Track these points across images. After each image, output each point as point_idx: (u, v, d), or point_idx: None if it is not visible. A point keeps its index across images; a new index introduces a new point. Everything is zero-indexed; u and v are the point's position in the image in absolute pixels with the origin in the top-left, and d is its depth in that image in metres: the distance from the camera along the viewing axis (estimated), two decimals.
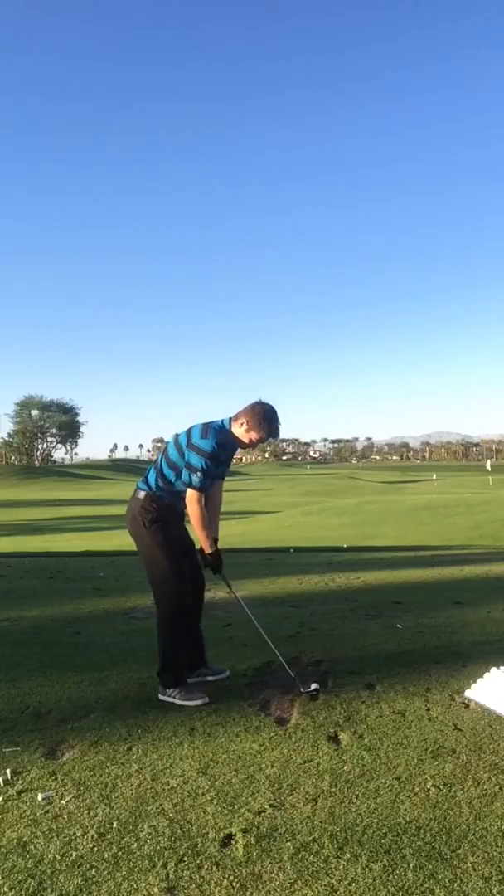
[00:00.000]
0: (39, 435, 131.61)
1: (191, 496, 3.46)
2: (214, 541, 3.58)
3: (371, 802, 2.41)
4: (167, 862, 2.09)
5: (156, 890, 1.96)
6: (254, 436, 3.51)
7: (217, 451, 3.46)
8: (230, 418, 3.57)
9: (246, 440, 3.54)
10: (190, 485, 3.45)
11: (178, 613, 3.54)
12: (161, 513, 3.54)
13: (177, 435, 3.59)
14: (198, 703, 3.38)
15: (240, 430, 3.53)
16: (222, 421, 3.57)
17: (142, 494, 3.59)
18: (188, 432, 3.53)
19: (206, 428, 3.50)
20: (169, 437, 3.72)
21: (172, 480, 3.53)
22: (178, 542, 3.62)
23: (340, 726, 3.07)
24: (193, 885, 1.97)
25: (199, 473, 3.42)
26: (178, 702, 3.40)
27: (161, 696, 3.46)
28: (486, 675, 3.45)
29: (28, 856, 2.15)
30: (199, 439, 3.45)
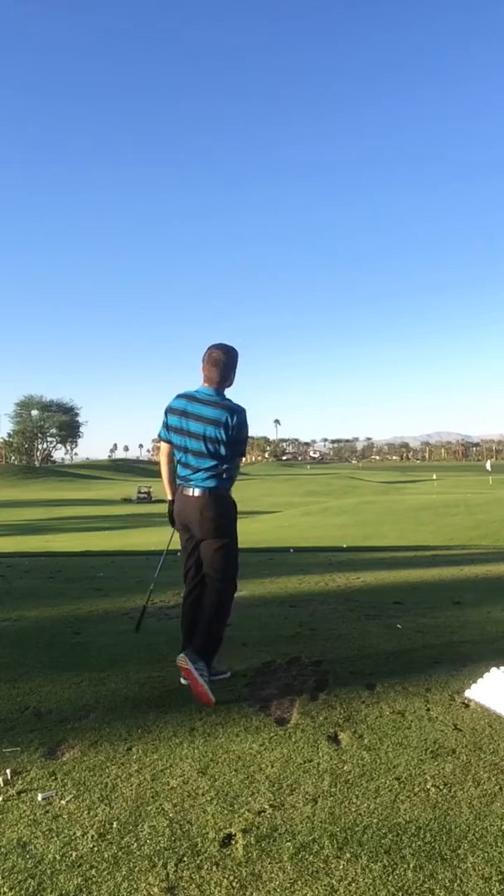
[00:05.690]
0: (39, 435, 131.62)
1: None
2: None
3: (371, 802, 2.41)
4: (167, 862, 2.09)
5: (156, 890, 1.96)
6: (202, 368, 3.66)
7: (173, 404, 3.65)
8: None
9: (203, 375, 3.67)
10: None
11: (183, 598, 3.85)
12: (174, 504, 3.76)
13: None
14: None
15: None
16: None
17: None
18: None
19: None
20: None
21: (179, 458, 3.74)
22: (185, 533, 3.72)
23: (340, 726, 3.07)
24: (193, 885, 1.97)
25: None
26: None
27: None
28: (486, 675, 3.45)
29: (28, 856, 2.15)
30: None
